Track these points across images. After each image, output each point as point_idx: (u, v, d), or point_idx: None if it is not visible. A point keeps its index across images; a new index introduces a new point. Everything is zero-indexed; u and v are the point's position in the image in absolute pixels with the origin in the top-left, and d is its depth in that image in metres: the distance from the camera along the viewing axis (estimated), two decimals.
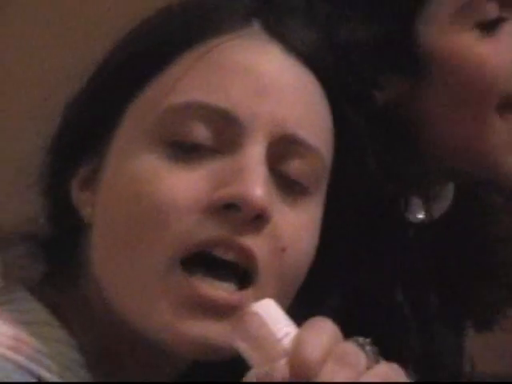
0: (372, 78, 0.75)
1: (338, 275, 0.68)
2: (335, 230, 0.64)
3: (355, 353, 0.50)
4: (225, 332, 0.56)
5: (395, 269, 0.79)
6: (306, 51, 0.62)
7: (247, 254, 0.57)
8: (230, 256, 0.58)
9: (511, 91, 0.77)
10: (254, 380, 0.52)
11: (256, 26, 0.61)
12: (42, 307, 0.61)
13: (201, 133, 0.58)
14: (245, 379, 0.52)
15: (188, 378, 0.65)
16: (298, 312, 0.55)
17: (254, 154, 0.58)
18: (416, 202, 0.83)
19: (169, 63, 0.60)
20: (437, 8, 0.75)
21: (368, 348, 0.53)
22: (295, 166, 0.60)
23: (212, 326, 0.57)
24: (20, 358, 0.57)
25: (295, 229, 0.60)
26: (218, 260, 0.57)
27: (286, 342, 0.52)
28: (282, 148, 0.59)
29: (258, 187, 0.56)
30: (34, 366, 0.57)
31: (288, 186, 0.60)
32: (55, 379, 0.58)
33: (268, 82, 0.59)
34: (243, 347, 0.54)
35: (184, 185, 0.57)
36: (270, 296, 0.55)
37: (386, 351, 0.57)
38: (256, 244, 0.57)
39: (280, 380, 0.49)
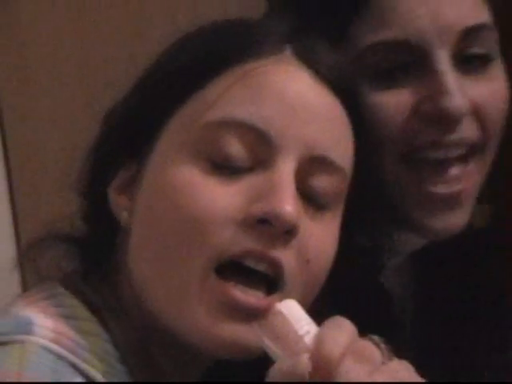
0: None
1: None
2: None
3: (372, 350, 0.54)
4: (253, 333, 0.60)
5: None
6: (331, 76, 0.65)
7: (276, 265, 0.61)
8: (260, 267, 0.61)
9: (413, 143, 0.75)
10: (278, 373, 0.55)
11: (288, 52, 0.65)
12: (81, 304, 0.64)
13: (235, 149, 0.62)
14: (269, 372, 0.55)
15: (213, 372, 0.68)
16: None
17: (285, 172, 0.61)
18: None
19: (209, 81, 0.64)
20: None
21: (382, 346, 0.56)
22: (322, 184, 0.63)
23: (242, 328, 0.60)
24: (61, 350, 0.60)
25: (319, 242, 0.63)
26: (251, 269, 0.61)
27: (308, 339, 0.56)
28: (311, 166, 0.63)
29: (288, 205, 0.59)
30: (73, 358, 0.60)
31: (313, 201, 0.63)
32: (92, 370, 0.61)
33: (298, 105, 0.63)
34: (268, 344, 0.59)
35: (221, 199, 0.61)
36: (294, 299, 0.59)
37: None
38: (284, 256, 0.61)
39: (302, 373, 0.53)
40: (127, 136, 0.67)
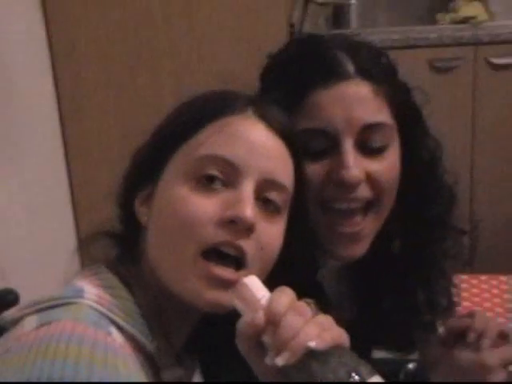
0: None
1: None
2: (292, 236, 0.82)
3: (305, 307, 0.66)
4: (228, 297, 0.71)
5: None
6: (279, 128, 0.80)
7: (242, 251, 0.74)
8: (231, 252, 0.74)
9: (327, 197, 0.90)
10: (243, 323, 0.66)
11: (250, 111, 0.79)
12: (115, 277, 0.76)
13: (215, 174, 0.75)
14: (238, 323, 0.68)
15: (202, 323, 0.81)
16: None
17: (247, 190, 0.74)
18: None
19: (199, 131, 0.77)
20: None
21: (313, 305, 0.67)
22: (272, 197, 0.77)
23: (220, 293, 0.73)
24: (101, 309, 0.71)
25: (270, 236, 0.77)
26: (225, 254, 0.74)
27: (263, 301, 0.67)
28: (265, 185, 0.76)
29: (248, 211, 0.73)
30: (110, 314, 0.71)
31: (267, 208, 0.77)
32: (121, 322, 0.71)
33: (257, 146, 0.77)
34: (237, 304, 0.69)
35: (204, 207, 0.73)
36: (254, 274, 0.72)
37: None
38: (247, 245, 0.74)
39: (258, 323, 0.65)
40: (147, 167, 0.80)
